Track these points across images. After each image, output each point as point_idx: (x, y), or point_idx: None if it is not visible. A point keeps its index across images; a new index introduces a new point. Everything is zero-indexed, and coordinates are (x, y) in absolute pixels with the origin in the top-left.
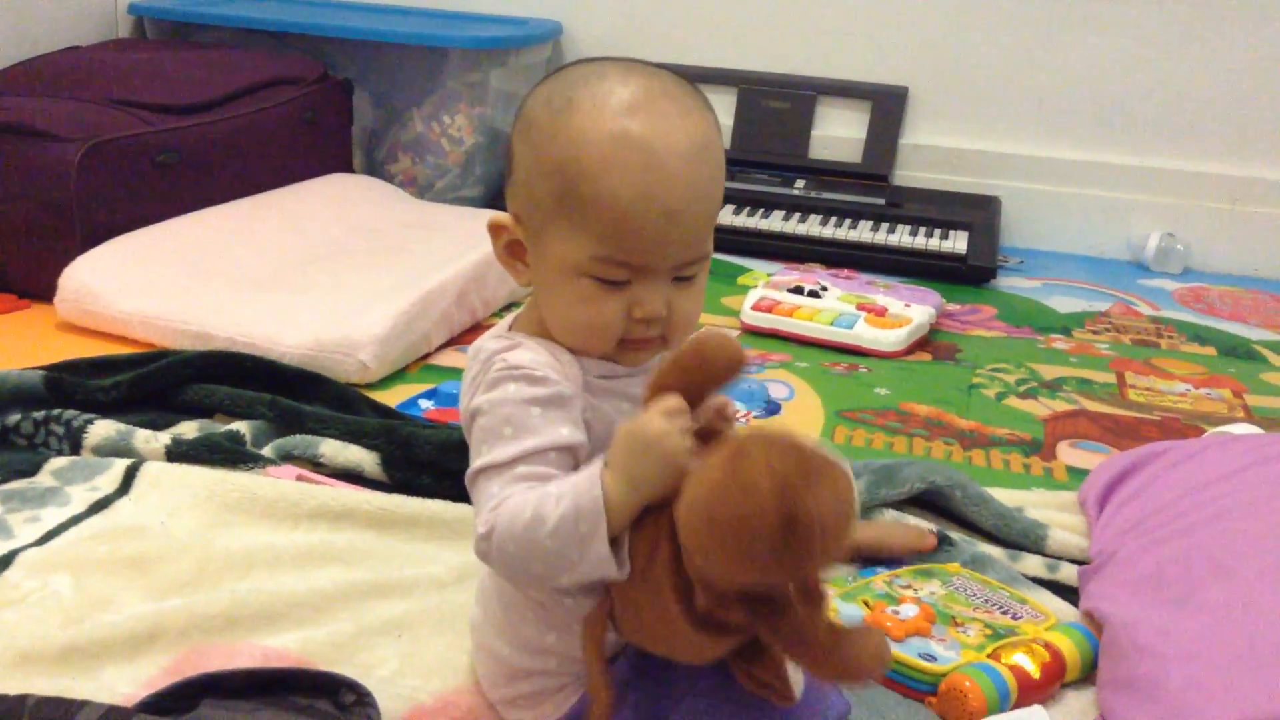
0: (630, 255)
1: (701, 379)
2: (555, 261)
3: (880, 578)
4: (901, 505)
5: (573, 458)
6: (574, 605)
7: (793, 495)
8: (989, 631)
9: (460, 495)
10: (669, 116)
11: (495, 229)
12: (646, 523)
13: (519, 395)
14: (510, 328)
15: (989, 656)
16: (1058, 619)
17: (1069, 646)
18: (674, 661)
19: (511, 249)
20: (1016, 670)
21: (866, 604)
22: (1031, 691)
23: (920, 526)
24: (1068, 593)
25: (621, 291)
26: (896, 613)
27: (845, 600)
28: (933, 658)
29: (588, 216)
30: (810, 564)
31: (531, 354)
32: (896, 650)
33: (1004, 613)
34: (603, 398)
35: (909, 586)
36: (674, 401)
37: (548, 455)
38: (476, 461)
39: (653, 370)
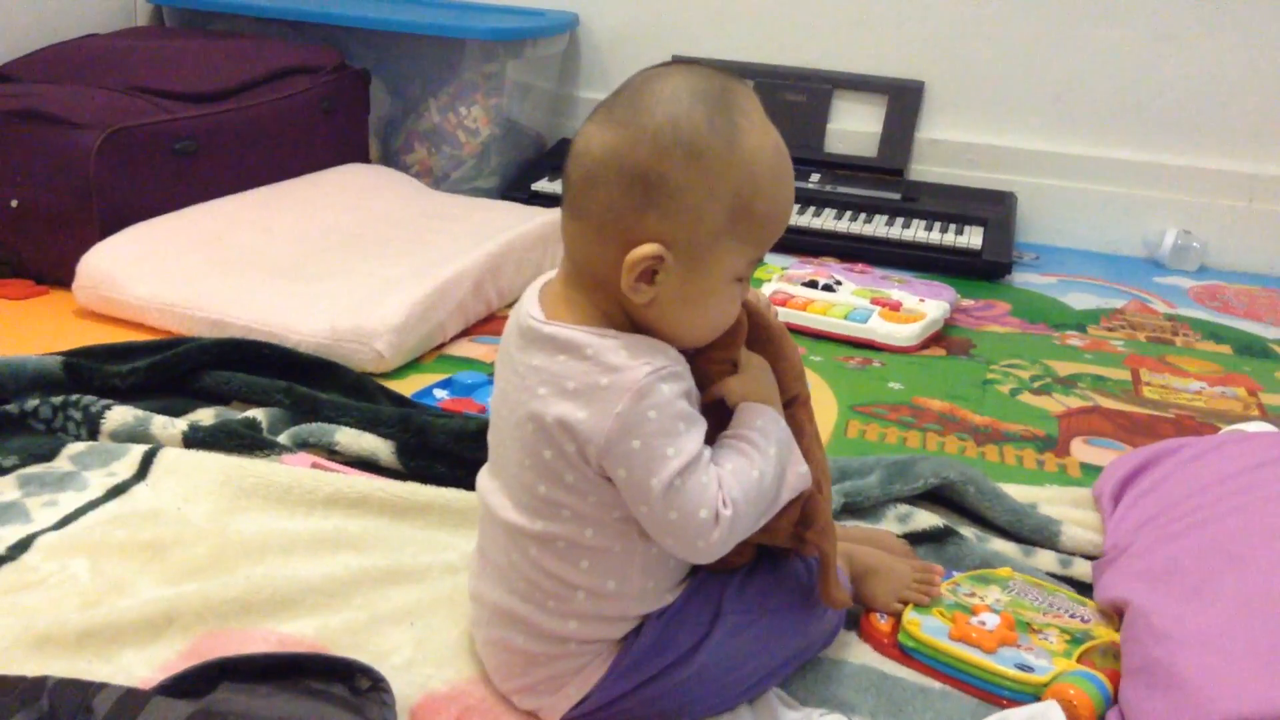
0: (764, 253)
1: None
2: (719, 273)
3: (942, 586)
4: (914, 500)
5: None
6: (585, 597)
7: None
8: (1068, 636)
9: (474, 484)
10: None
11: (639, 261)
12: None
13: (674, 392)
14: (557, 321)
15: (1078, 661)
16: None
17: None
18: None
19: (644, 274)
20: (1111, 674)
21: (943, 614)
22: None
23: (908, 548)
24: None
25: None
26: (983, 624)
27: (921, 613)
28: (1029, 668)
29: (755, 227)
30: None
31: (663, 352)
32: (991, 662)
33: (1072, 616)
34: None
35: (973, 595)
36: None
37: (704, 437)
38: (669, 465)
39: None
